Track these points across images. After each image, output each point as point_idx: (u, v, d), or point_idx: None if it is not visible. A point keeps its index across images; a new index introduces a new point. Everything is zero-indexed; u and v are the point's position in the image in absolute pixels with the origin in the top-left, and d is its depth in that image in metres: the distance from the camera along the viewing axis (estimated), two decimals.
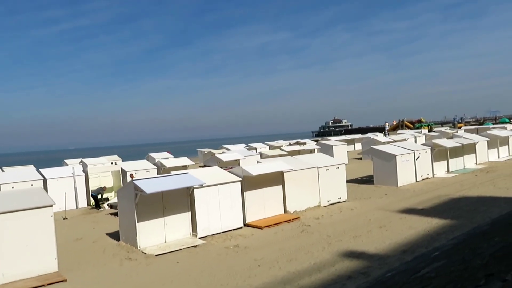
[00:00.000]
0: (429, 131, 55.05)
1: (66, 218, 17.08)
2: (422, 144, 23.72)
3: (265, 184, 14.21)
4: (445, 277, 3.23)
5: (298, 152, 28.92)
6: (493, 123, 69.27)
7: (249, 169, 13.75)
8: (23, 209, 9.69)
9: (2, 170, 23.28)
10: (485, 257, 3.31)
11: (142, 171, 21.11)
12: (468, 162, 24.37)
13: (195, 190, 12.46)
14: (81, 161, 31.04)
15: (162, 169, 23.42)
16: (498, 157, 27.82)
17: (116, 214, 15.17)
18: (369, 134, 51.28)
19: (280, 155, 25.89)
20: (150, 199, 11.70)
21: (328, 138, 51.47)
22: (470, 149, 24.78)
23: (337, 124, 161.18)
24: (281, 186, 14.72)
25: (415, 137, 40.99)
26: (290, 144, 42.07)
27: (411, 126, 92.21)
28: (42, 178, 19.12)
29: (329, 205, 15.93)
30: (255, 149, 39.34)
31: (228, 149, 39.20)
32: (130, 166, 22.07)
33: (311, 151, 30.54)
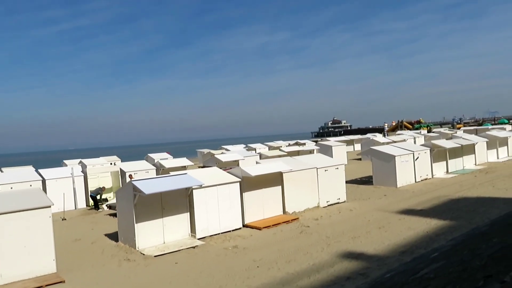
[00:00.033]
0: (428, 132, 55.16)
1: (65, 219, 17.05)
2: (421, 145, 23.72)
3: (264, 185, 14.19)
4: (444, 278, 3.22)
5: (297, 153, 28.94)
6: (492, 124, 69.41)
7: (248, 169, 13.73)
8: (21, 210, 9.67)
9: (1, 171, 23.27)
10: (483, 258, 3.30)
11: (141, 172, 21.09)
12: (467, 162, 24.38)
13: (194, 190, 12.44)
14: (80, 162, 31.04)
15: (161, 170, 23.42)
16: (497, 158, 27.86)
17: (115, 215, 15.14)
18: (368, 135, 51.34)
19: (279, 156, 25.89)
20: (149, 200, 11.68)
21: (327, 138, 51.52)
22: (469, 149, 24.79)
23: (337, 125, 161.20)
24: (280, 186, 14.71)
25: (414, 138, 41.02)
26: (289, 145, 42.12)
27: (410, 126, 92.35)
28: (41, 179, 19.09)
29: (328, 205, 15.92)
30: (255, 149, 39.36)
31: (227, 150, 39.23)
32: (129, 166, 22.06)
33: (310, 151, 30.55)
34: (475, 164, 25.20)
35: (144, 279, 9.47)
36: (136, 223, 11.54)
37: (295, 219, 14.05)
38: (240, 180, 13.56)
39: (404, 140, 35.13)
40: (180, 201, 12.39)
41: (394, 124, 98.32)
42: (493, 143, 27.73)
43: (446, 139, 27.06)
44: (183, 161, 26.24)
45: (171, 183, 11.94)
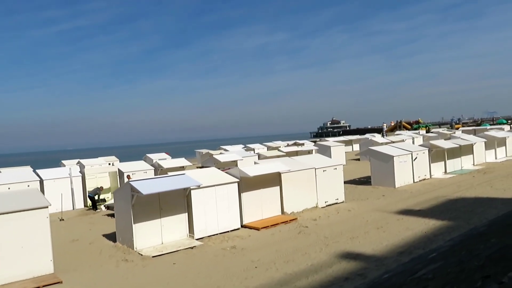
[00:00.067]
0: (426, 132, 55.24)
1: (63, 219, 17.01)
2: (420, 145, 23.74)
3: (262, 185, 14.17)
4: (442, 278, 3.21)
5: (296, 153, 28.93)
6: (491, 124, 69.52)
7: (247, 170, 13.71)
8: (18, 211, 9.63)
9: None
10: (481, 259, 3.29)
11: (139, 172, 21.06)
12: (465, 163, 24.39)
13: (192, 191, 12.41)
14: (79, 162, 30.98)
15: (159, 170, 23.39)
16: (496, 158, 27.88)
17: (112, 215, 15.10)
18: (367, 135, 51.40)
19: (278, 156, 25.87)
20: (147, 200, 11.65)
21: (326, 139, 51.52)
22: (467, 150, 24.81)
23: (335, 125, 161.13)
24: (278, 187, 14.69)
25: (413, 138, 41.08)
26: (288, 145, 42.12)
27: (409, 127, 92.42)
28: (39, 179, 19.04)
29: (326, 206, 15.90)
30: (253, 150, 39.33)
31: (226, 150, 39.21)
32: (127, 167, 22.03)
33: (309, 152, 30.56)
34: (473, 164, 25.22)
35: (142, 280, 9.44)
36: (134, 223, 11.51)
37: (294, 219, 14.03)
38: (238, 180, 13.54)
39: (403, 141, 35.15)
40: (178, 202, 12.36)
41: (393, 124, 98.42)
42: (492, 144, 27.77)
43: (445, 139, 27.06)
44: (182, 162, 26.21)
45: (169, 183, 11.91)
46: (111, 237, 13.08)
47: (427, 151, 21.62)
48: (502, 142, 29.12)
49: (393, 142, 32.18)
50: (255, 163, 17.36)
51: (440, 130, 56.54)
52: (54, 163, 32.06)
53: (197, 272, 9.63)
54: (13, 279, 9.41)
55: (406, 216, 13.51)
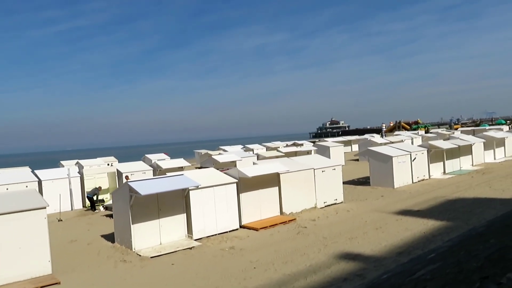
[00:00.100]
0: (425, 133, 55.30)
1: (61, 220, 16.97)
2: (419, 146, 23.74)
3: (261, 186, 14.15)
4: (441, 279, 3.20)
5: (295, 154, 28.93)
6: (490, 125, 69.64)
7: (245, 170, 13.69)
8: (16, 211, 9.60)
9: None
10: (480, 260, 3.28)
11: (138, 173, 21.02)
12: (464, 163, 24.40)
13: (190, 191, 12.39)
14: (77, 163, 30.92)
15: (158, 171, 23.34)
16: (494, 159, 27.91)
17: (111, 216, 15.07)
18: (366, 136, 51.43)
19: (277, 157, 25.86)
20: (145, 201, 11.63)
21: (325, 139, 51.52)
22: (466, 150, 24.82)
23: (334, 126, 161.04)
24: (277, 187, 14.67)
25: (412, 139, 41.11)
26: (287, 146, 42.14)
27: (408, 127, 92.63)
28: (37, 180, 19.01)
29: (325, 206, 15.89)
30: (252, 150, 39.32)
31: (225, 151, 39.19)
32: (126, 167, 21.98)
33: (308, 152, 30.54)
34: (472, 164, 25.23)
35: (140, 280, 9.41)
36: (132, 224, 11.49)
37: (292, 220, 14.01)
38: (237, 181, 13.52)
39: (402, 141, 35.18)
40: (177, 202, 12.34)
41: (392, 124, 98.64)
42: (490, 144, 27.79)
43: (444, 140, 27.08)
44: (180, 162, 26.15)
45: (167, 184, 11.89)
46: (110, 237, 13.05)
47: (426, 151, 21.62)
48: (501, 142, 29.15)
49: (392, 142, 32.19)
50: (254, 163, 17.36)
51: (439, 130, 56.62)
52: (53, 163, 32.03)
53: (195, 273, 9.60)
54: (11, 280, 9.38)
55: (405, 217, 13.50)
